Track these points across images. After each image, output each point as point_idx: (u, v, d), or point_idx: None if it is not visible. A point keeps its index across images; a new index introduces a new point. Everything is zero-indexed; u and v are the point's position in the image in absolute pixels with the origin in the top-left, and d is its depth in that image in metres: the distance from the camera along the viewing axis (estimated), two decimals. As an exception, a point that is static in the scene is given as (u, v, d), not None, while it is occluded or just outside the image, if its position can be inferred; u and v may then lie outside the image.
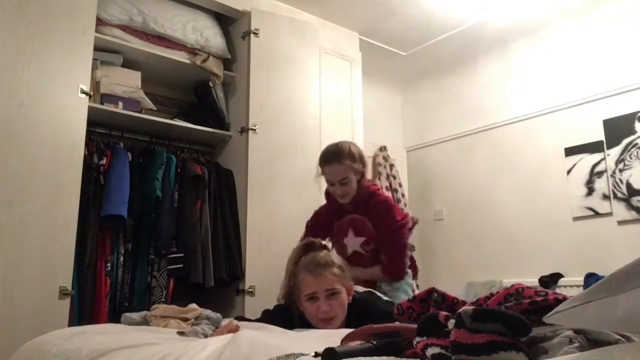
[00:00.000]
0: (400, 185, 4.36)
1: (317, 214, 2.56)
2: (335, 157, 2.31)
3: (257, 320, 1.82)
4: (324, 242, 1.93)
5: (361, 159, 2.36)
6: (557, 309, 0.73)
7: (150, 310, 1.89)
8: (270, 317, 1.84)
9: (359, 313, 1.74)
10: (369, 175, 2.54)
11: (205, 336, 1.55)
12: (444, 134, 4.47)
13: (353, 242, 2.35)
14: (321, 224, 2.49)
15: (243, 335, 1.17)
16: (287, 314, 1.82)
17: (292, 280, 1.81)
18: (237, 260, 2.82)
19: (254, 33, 3.13)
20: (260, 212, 2.92)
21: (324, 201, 2.58)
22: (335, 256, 1.88)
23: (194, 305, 1.94)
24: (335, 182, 2.32)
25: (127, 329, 1.65)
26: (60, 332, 1.58)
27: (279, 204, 2.99)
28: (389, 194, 4.12)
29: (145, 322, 1.81)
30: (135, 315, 1.85)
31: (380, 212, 2.31)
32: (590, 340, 0.81)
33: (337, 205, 2.41)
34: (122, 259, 2.60)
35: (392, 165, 4.39)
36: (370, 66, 4.10)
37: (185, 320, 1.79)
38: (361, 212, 2.34)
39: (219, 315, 1.88)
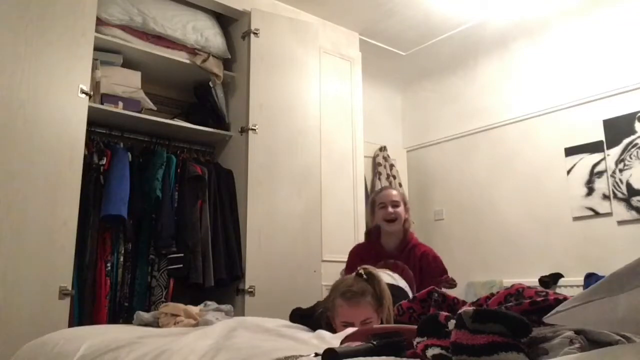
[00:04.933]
0: (400, 185, 4.36)
1: (356, 254, 2.57)
2: (391, 186, 2.39)
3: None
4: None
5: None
6: (557, 309, 0.73)
7: (159, 309, 1.92)
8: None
9: None
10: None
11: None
12: (444, 134, 4.47)
13: None
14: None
15: (241, 338, 1.17)
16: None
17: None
18: (237, 260, 2.82)
19: (254, 33, 3.13)
20: (260, 212, 2.92)
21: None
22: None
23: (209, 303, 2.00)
24: (388, 203, 2.48)
25: (129, 329, 1.66)
26: (63, 332, 1.58)
27: (279, 204, 2.99)
28: None
29: (155, 321, 1.83)
30: (147, 315, 1.89)
31: (429, 262, 2.43)
32: (591, 341, 0.81)
33: (378, 247, 2.50)
34: (122, 259, 2.60)
35: (392, 165, 4.39)
36: (370, 66, 4.09)
37: (195, 319, 1.81)
38: (403, 259, 2.32)
39: (229, 306, 1.97)
